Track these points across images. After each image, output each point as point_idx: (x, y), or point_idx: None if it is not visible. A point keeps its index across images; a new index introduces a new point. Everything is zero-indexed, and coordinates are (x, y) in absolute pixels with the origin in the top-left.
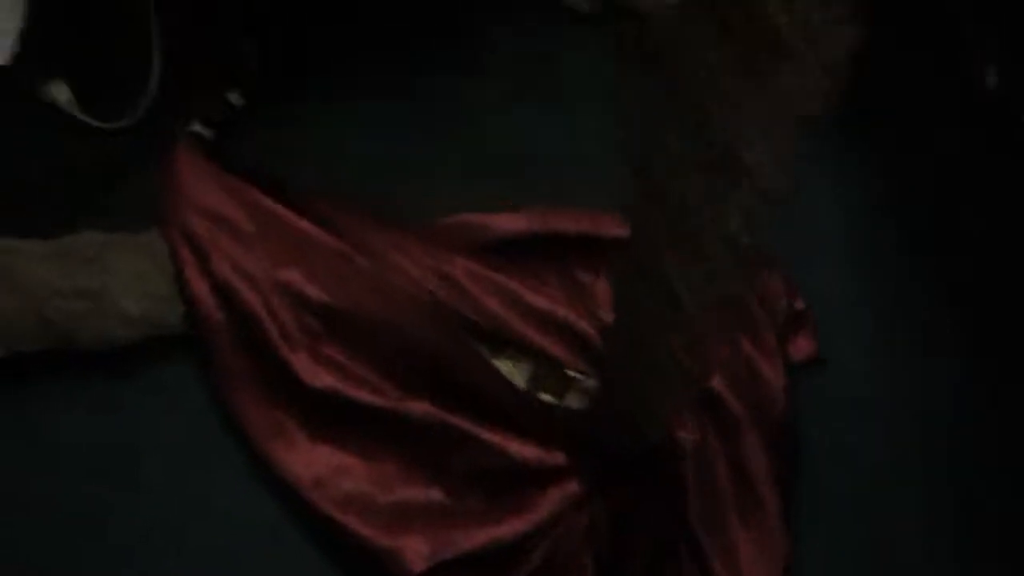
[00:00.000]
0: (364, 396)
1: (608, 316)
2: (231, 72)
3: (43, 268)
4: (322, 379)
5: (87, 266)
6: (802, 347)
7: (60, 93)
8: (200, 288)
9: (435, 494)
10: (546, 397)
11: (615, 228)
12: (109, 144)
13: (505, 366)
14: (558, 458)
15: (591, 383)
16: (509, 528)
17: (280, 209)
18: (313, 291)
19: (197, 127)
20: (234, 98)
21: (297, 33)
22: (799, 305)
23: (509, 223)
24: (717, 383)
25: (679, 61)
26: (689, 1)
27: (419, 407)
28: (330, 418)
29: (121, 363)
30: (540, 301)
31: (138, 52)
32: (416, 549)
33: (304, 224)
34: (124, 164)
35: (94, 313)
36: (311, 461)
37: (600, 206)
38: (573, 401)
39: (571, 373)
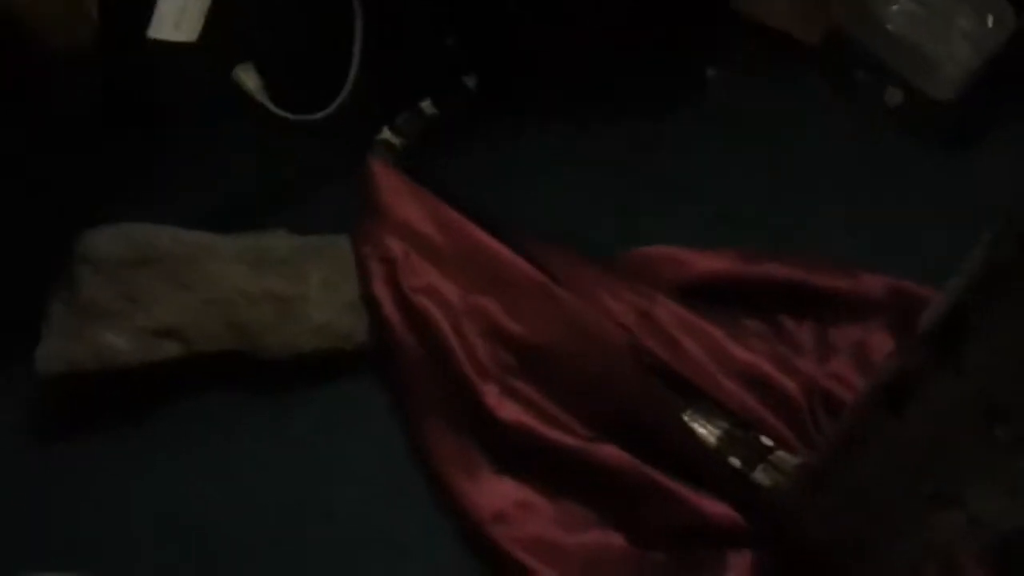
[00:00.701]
0: (553, 434)
1: (811, 367)
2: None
3: (232, 268)
4: (511, 412)
5: (277, 270)
6: None
7: (248, 79)
8: (389, 307)
9: (620, 541)
10: (735, 462)
11: (832, 279)
12: (298, 137)
13: (697, 420)
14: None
15: (785, 458)
16: None
17: (477, 232)
18: (508, 322)
19: (387, 135)
20: (427, 106)
21: (505, 49)
22: None
23: (712, 262)
24: None
25: None
26: None
27: (610, 451)
28: (516, 453)
29: (304, 374)
30: (742, 353)
31: (338, 43)
32: None
33: (501, 250)
34: (314, 160)
35: (281, 319)
36: (494, 493)
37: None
38: (762, 474)
39: (766, 441)
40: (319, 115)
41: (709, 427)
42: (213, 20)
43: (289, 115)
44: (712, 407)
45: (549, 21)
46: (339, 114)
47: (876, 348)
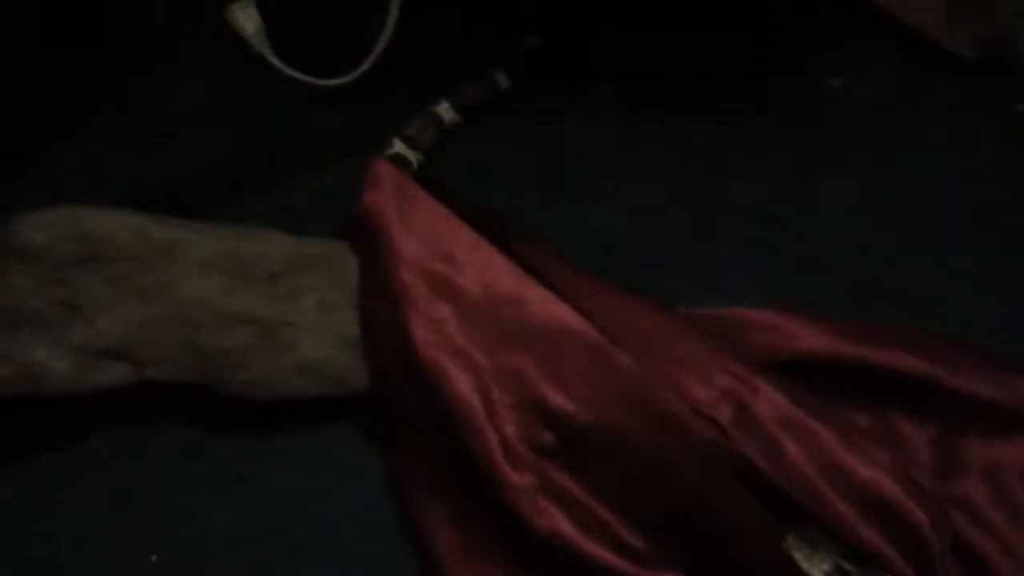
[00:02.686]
0: (600, 552)
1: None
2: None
3: (204, 276)
4: (548, 518)
5: (264, 286)
6: None
7: (246, 19)
8: (392, 362)
9: None
10: None
11: (974, 380)
12: (303, 102)
13: (800, 550)
14: None
15: None
16: None
17: (514, 268)
18: (551, 391)
19: (400, 147)
20: (443, 110)
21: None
22: None
23: (824, 339)
24: None
25: None
26: None
27: None
28: (548, 570)
29: (282, 415)
30: (862, 468)
31: None
32: None
33: (545, 297)
34: (321, 134)
35: (261, 350)
36: None
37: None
38: None
39: None
40: (335, 81)
41: (815, 559)
42: None
43: (295, 73)
44: (819, 534)
45: None
46: (361, 81)
47: (1017, 472)
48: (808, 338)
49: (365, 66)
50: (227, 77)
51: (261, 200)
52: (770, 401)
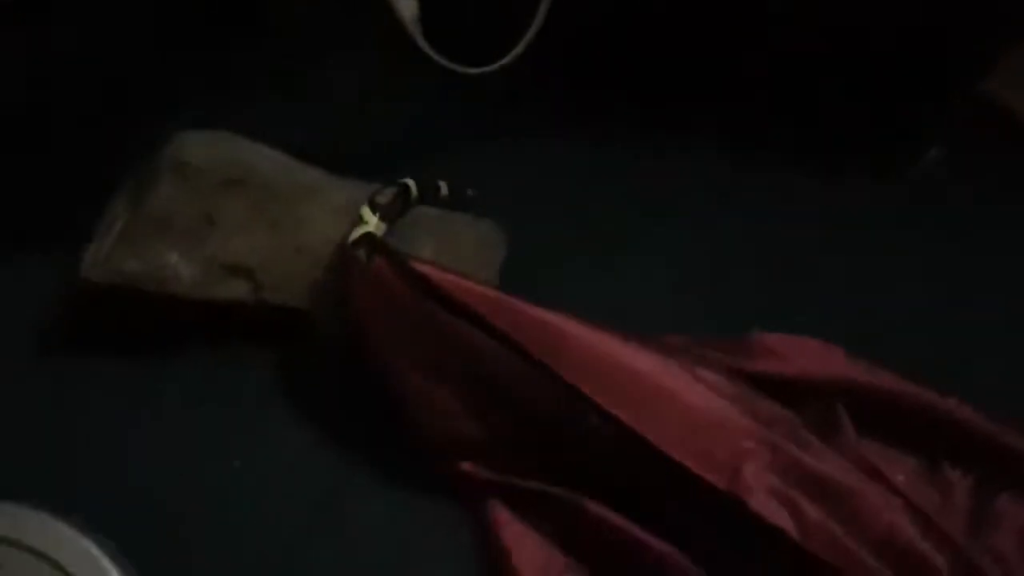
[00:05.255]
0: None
1: (961, 533)
2: None
3: (334, 219)
4: None
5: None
6: None
7: (405, 7)
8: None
9: None
10: None
11: (1013, 437)
12: (447, 88)
13: None
14: None
15: None
16: None
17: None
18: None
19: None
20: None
21: None
22: None
23: (873, 375)
24: None
25: None
26: None
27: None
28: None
29: None
30: (883, 513)
31: None
32: None
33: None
34: (459, 121)
35: None
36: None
37: None
38: None
39: None
40: (480, 70)
41: None
42: None
43: (442, 60)
44: None
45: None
46: (507, 73)
47: None
48: (863, 374)
49: (507, 59)
50: (379, 56)
51: (397, 170)
52: (788, 460)
